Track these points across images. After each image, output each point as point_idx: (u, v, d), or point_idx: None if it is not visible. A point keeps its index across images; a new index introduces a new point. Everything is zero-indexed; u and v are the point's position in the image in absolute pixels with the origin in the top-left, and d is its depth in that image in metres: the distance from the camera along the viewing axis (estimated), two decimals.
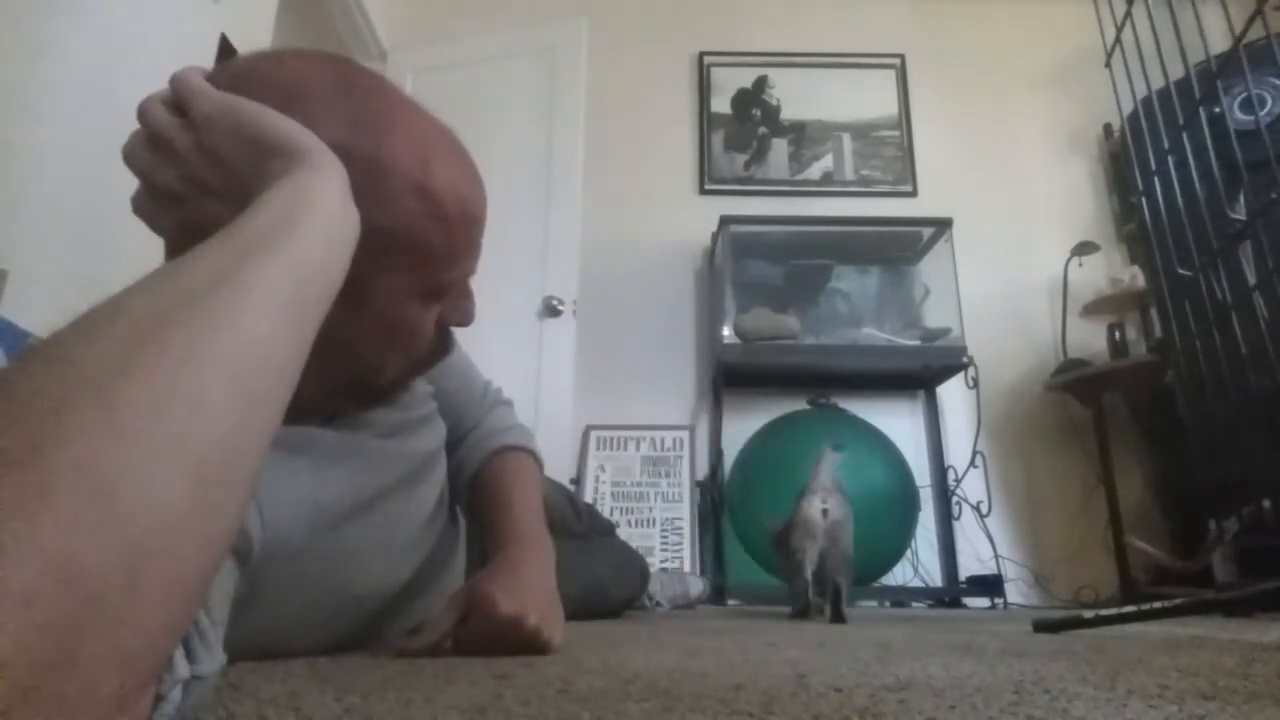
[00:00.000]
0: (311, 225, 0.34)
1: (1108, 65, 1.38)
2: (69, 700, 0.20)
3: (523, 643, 0.61)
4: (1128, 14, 1.33)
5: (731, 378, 2.40)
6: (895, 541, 2.14)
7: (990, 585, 2.15)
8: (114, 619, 0.21)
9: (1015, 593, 2.29)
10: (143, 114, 0.42)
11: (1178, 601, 0.87)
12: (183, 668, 0.30)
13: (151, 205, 0.42)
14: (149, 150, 0.41)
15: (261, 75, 0.45)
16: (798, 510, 1.17)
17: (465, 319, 0.58)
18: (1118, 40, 1.35)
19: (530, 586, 0.66)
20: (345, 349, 0.50)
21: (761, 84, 2.95)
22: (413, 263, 0.50)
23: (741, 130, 2.90)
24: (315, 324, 0.33)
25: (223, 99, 0.40)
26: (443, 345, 0.59)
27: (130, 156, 0.42)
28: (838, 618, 1.12)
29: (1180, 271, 1.29)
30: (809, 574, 1.16)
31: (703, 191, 2.82)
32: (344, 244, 0.37)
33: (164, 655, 0.26)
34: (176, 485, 0.24)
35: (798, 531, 1.15)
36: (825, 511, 1.14)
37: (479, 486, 0.81)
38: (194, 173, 0.40)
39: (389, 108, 0.48)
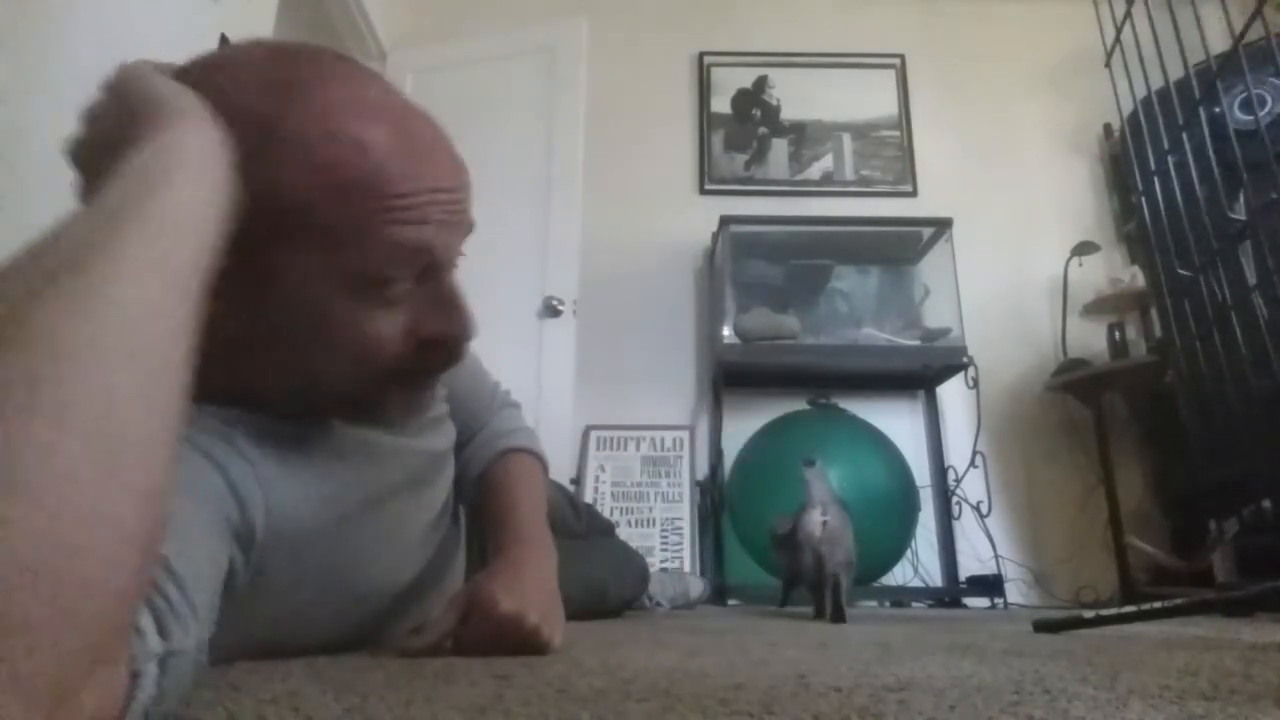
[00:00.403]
0: (170, 183, 0.33)
1: (1108, 65, 1.38)
2: (14, 677, 0.21)
3: (522, 642, 0.60)
4: (1128, 14, 1.33)
5: (731, 378, 2.40)
6: (895, 541, 2.14)
7: (990, 585, 2.15)
8: (43, 592, 0.22)
9: (1015, 593, 2.29)
10: None
11: (1178, 601, 0.86)
12: (155, 642, 0.31)
13: None
14: None
15: (221, 52, 0.46)
16: (800, 525, 1.23)
17: (451, 328, 0.51)
18: (1118, 40, 1.35)
19: (531, 586, 0.65)
20: (275, 341, 0.48)
21: (761, 84, 2.95)
22: (313, 242, 0.44)
23: (741, 130, 2.90)
24: (190, 280, 0.32)
25: (124, 72, 0.40)
26: (438, 359, 0.52)
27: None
28: (838, 616, 1.16)
29: (1180, 271, 1.29)
30: (815, 578, 1.23)
31: (703, 191, 2.82)
32: (208, 201, 0.35)
33: (115, 624, 0.26)
34: (76, 456, 0.24)
35: (802, 545, 1.23)
36: (825, 523, 1.22)
37: (484, 487, 0.81)
38: (88, 154, 0.40)
39: (313, 77, 0.45)
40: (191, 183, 0.34)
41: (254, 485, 0.48)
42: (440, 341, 0.51)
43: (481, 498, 0.80)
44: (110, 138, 0.37)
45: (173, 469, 0.29)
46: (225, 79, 0.43)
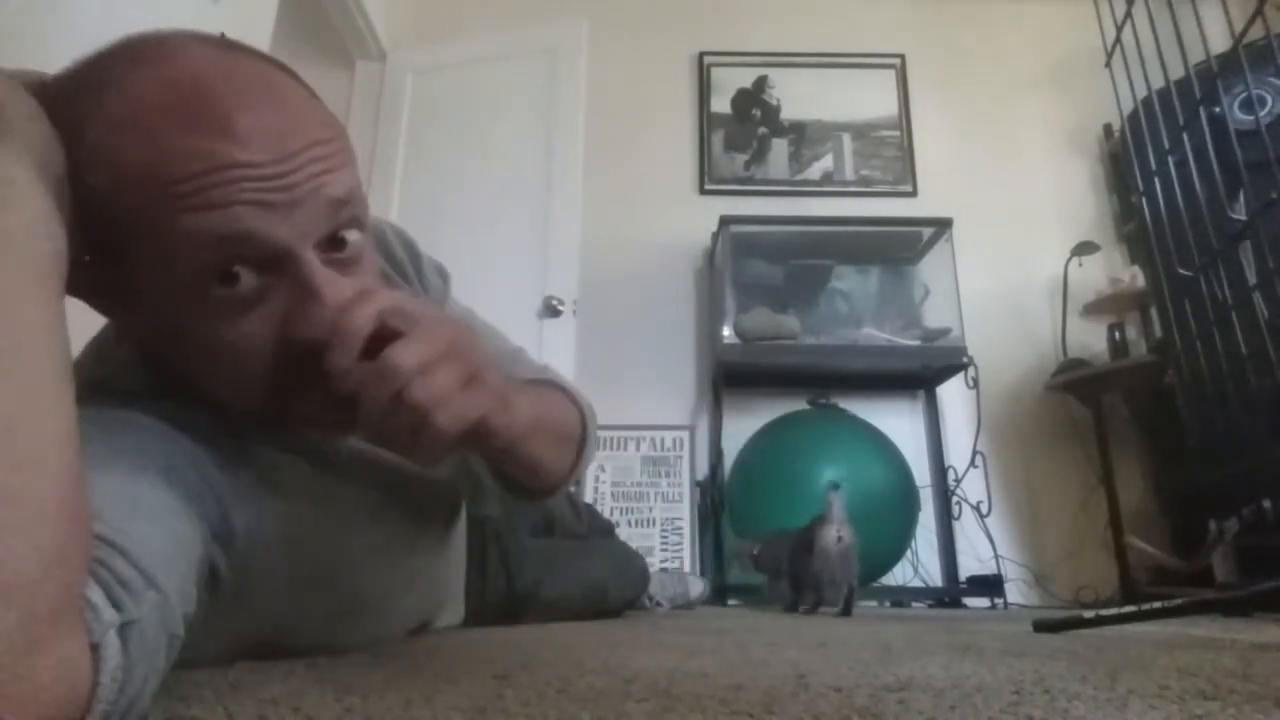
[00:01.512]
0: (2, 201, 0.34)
1: (1108, 65, 1.38)
2: None
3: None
4: (1128, 14, 1.33)
5: (731, 378, 2.40)
6: (895, 541, 2.14)
7: (990, 585, 2.15)
8: None
9: (1015, 593, 2.29)
10: None
11: (1178, 601, 0.86)
12: (109, 613, 0.32)
13: None
14: None
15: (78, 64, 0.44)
16: (819, 538, 1.43)
17: (308, 329, 0.42)
18: (1118, 40, 1.35)
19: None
20: (176, 352, 0.46)
21: (761, 84, 2.95)
22: (132, 247, 0.41)
23: (741, 130, 2.90)
24: (23, 297, 0.34)
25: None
26: (310, 367, 0.42)
27: None
28: (846, 612, 1.40)
29: (1180, 271, 1.29)
30: (824, 584, 1.44)
31: (703, 191, 2.82)
32: (35, 224, 0.35)
33: (53, 584, 0.29)
34: None
35: (818, 556, 1.42)
36: (839, 539, 1.42)
37: None
38: None
39: (117, 68, 0.41)
40: (16, 205, 0.35)
41: (233, 486, 0.48)
42: (308, 347, 0.42)
43: None
44: None
45: (67, 447, 0.32)
46: (60, 89, 0.41)
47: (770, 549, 1.69)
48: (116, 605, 0.32)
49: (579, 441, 0.68)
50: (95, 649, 0.30)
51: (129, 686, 0.32)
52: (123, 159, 0.39)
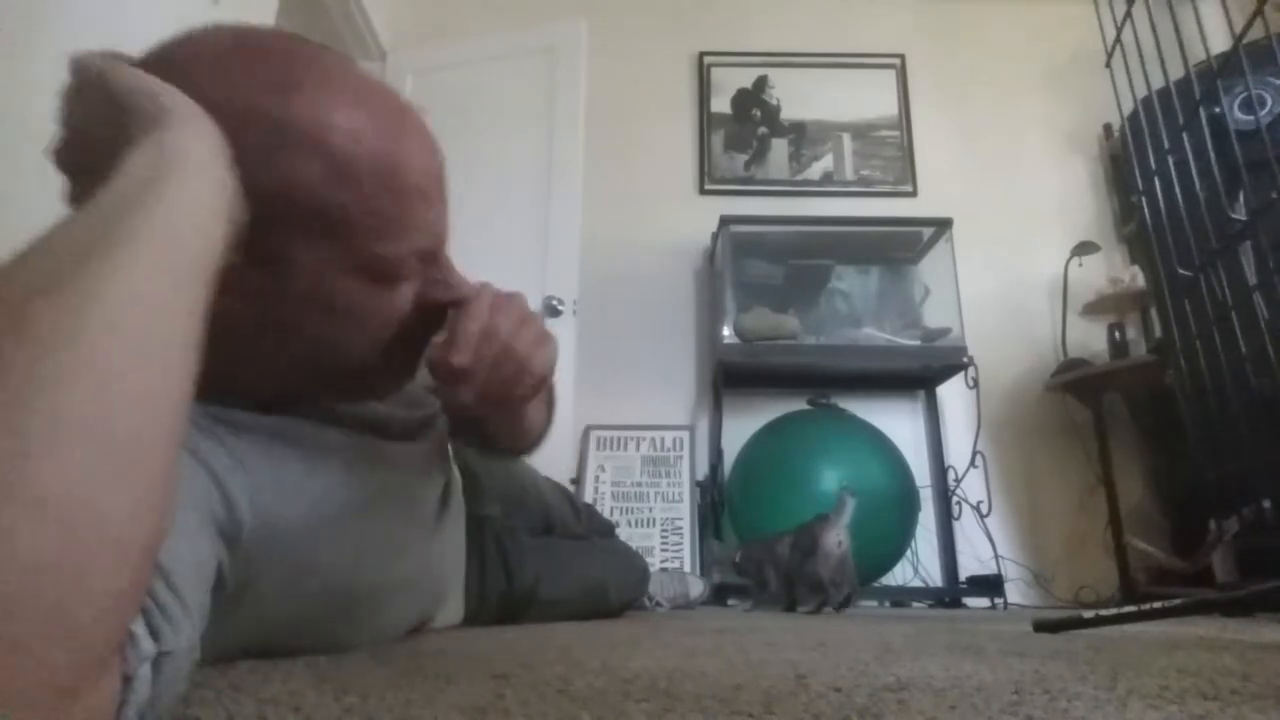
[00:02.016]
0: (173, 183, 0.33)
1: (1108, 65, 1.38)
2: (16, 680, 0.20)
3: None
4: (1128, 14, 1.33)
5: (731, 378, 2.40)
6: (895, 542, 2.14)
7: (990, 585, 2.15)
8: (47, 595, 0.21)
9: (1015, 593, 2.29)
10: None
11: (1178, 601, 0.86)
12: (147, 644, 0.30)
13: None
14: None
15: (178, 44, 0.45)
16: (822, 541, 1.48)
17: (449, 293, 0.52)
18: (1118, 40, 1.35)
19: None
20: (286, 330, 0.48)
21: (761, 84, 2.95)
22: (328, 232, 0.45)
23: (741, 130, 2.90)
24: (198, 279, 0.32)
25: (98, 70, 0.39)
26: (436, 323, 0.53)
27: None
28: (846, 606, 1.47)
29: (1180, 271, 1.29)
30: (827, 586, 1.49)
31: (703, 191, 2.82)
32: (212, 199, 0.35)
33: (115, 627, 0.26)
34: (80, 459, 0.23)
35: (820, 557, 1.47)
36: (840, 543, 1.47)
37: None
38: (77, 156, 0.39)
39: (304, 70, 0.45)
40: (194, 182, 0.34)
41: (240, 482, 0.48)
42: (440, 307, 0.53)
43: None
44: (101, 138, 0.36)
45: (174, 473, 0.28)
46: (207, 74, 0.42)
47: (750, 552, 1.72)
48: (155, 635, 0.31)
49: (550, 404, 0.79)
50: (126, 681, 0.28)
51: (149, 717, 0.30)
52: (357, 161, 0.44)
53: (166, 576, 0.33)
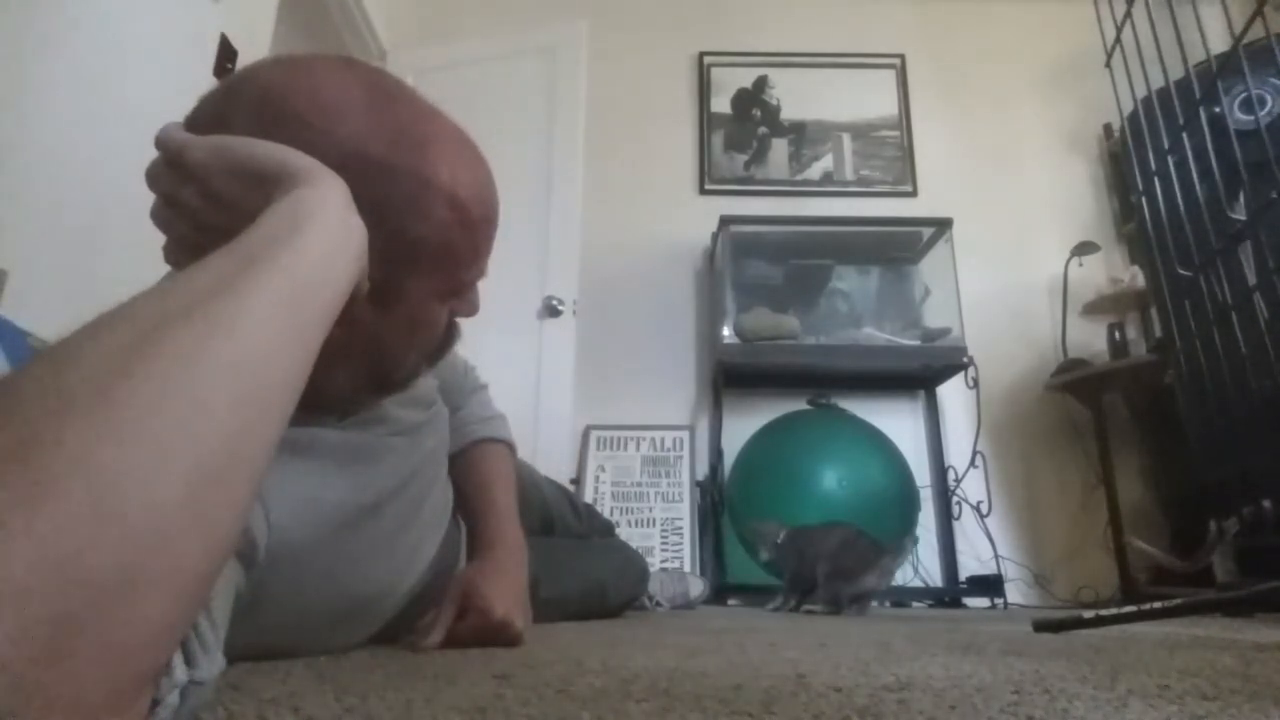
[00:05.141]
0: (309, 237, 0.35)
1: (1108, 65, 1.38)
2: (61, 696, 0.20)
3: (506, 641, 0.70)
4: (1128, 14, 1.33)
5: (731, 378, 2.40)
6: (895, 542, 2.14)
7: (990, 585, 2.15)
8: (109, 616, 0.21)
9: (1015, 593, 2.29)
10: (150, 178, 0.42)
11: (1178, 601, 0.86)
12: (180, 672, 0.30)
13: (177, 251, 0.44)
14: (165, 208, 0.42)
15: (290, 89, 0.45)
16: (880, 565, 1.51)
17: (473, 310, 0.59)
18: (1118, 40, 1.35)
19: (514, 591, 0.75)
20: (374, 346, 0.52)
21: (761, 84, 2.95)
22: (441, 266, 0.51)
23: (741, 130, 2.90)
24: (318, 331, 0.34)
25: (209, 143, 0.41)
26: (451, 335, 0.60)
27: (152, 214, 0.43)
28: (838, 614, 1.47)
29: (1180, 271, 1.29)
30: (860, 598, 1.53)
31: (703, 191, 2.82)
32: (344, 253, 0.37)
33: (161, 655, 0.26)
34: (174, 485, 0.24)
35: (869, 578, 1.51)
36: (885, 575, 1.53)
37: (458, 472, 0.86)
38: (205, 220, 0.40)
39: (424, 121, 0.50)
40: (328, 233, 0.36)
41: (256, 510, 0.48)
42: (455, 321, 0.59)
43: (456, 484, 0.86)
44: (233, 201, 0.39)
45: (248, 511, 0.29)
46: (337, 125, 0.45)
47: (794, 540, 1.62)
48: (190, 663, 0.31)
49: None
50: (153, 705, 0.28)
51: None
52: (469, 206, 0.50)
53: (208, 609, 0.34)
